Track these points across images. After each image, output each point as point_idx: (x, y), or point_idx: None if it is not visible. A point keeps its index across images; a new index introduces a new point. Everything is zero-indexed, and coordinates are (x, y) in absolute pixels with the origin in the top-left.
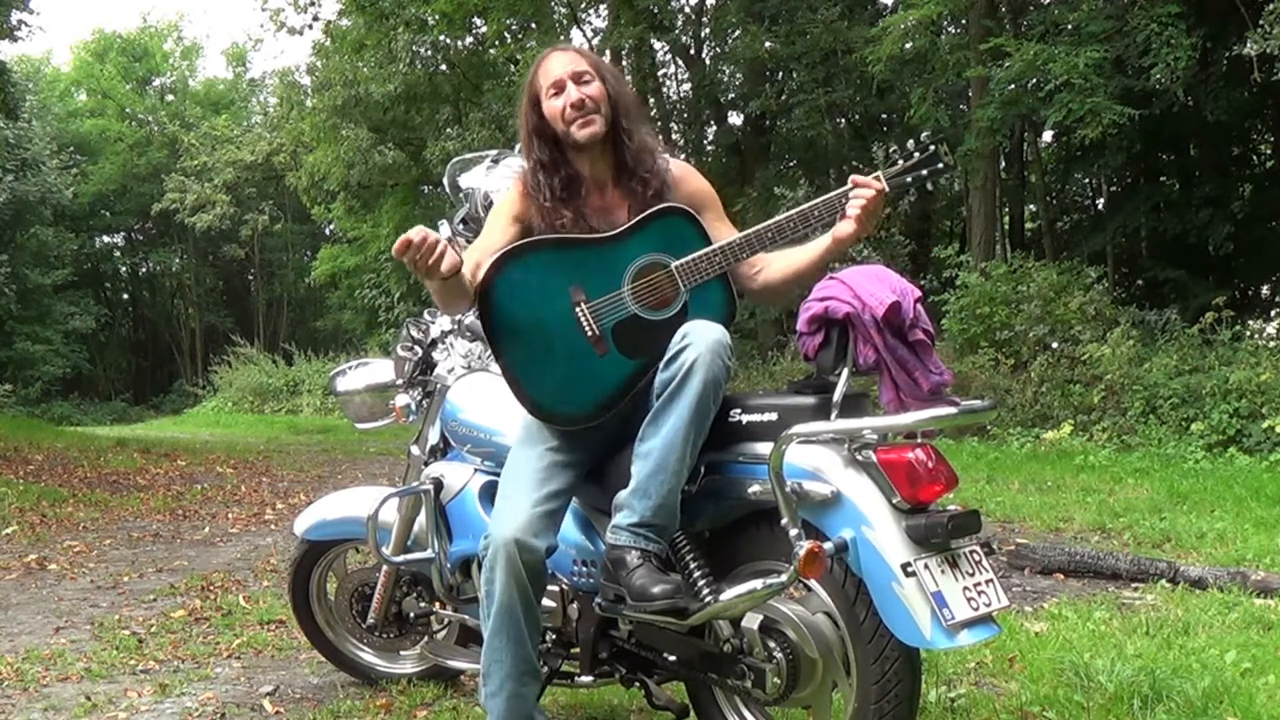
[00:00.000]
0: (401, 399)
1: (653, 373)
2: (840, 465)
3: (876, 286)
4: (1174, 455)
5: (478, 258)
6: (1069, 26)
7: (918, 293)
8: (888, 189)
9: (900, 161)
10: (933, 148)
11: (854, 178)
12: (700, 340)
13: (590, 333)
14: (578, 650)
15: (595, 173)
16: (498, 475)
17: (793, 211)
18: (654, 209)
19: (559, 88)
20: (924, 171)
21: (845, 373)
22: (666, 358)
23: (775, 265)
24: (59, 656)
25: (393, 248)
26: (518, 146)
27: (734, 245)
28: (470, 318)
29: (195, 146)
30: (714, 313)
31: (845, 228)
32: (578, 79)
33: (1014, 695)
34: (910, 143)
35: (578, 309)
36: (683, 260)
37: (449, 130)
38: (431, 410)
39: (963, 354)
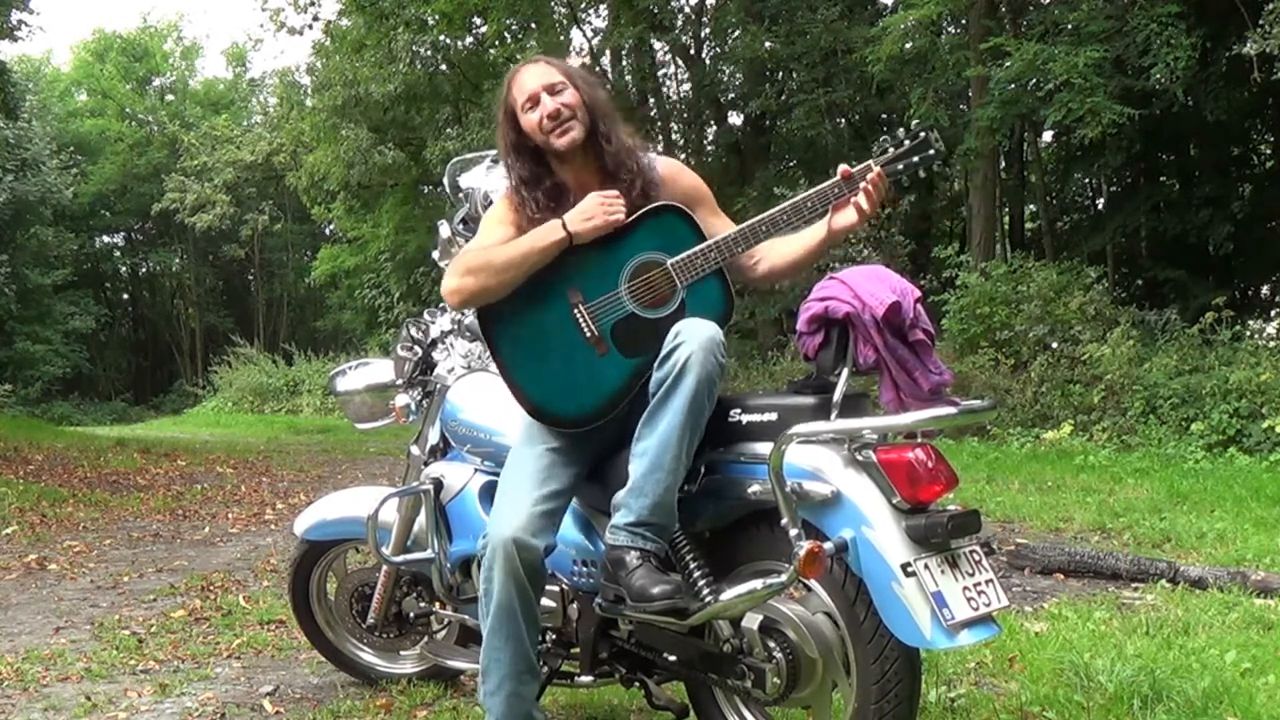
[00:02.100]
0: (401, 399)
1: (650, 372)
2: (840, 465)
3: (876, 286)
4: (1174, 455)
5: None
6: (1069, 26)
7: (918, 293)
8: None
9: (891, 149)
10: (923, 135)
11: (844, 168)
12: (693, 338)
13: (589, 334)
14: (578, 650)
15: (579, 179)
16: (498, 475)
17: (785, 204)
18: (647, 208)
19: (534, 101)
20: (915, 159)
21: (845, 373)
22: (660, 356)
23: (773, 255)
24: (59, 656)
25: (601, 196)
26: None
27: (729, 240)
28: (470, 318)
29: (195, 146)
30: (711, 309)
31: (846, 218)
32: (551, 89)
33: (1014, 695)
34: (900, 130)
35: (576, 310)
36: (678, 257)
37: (449, 130)
38: (431, 410)
39: (963, 354)
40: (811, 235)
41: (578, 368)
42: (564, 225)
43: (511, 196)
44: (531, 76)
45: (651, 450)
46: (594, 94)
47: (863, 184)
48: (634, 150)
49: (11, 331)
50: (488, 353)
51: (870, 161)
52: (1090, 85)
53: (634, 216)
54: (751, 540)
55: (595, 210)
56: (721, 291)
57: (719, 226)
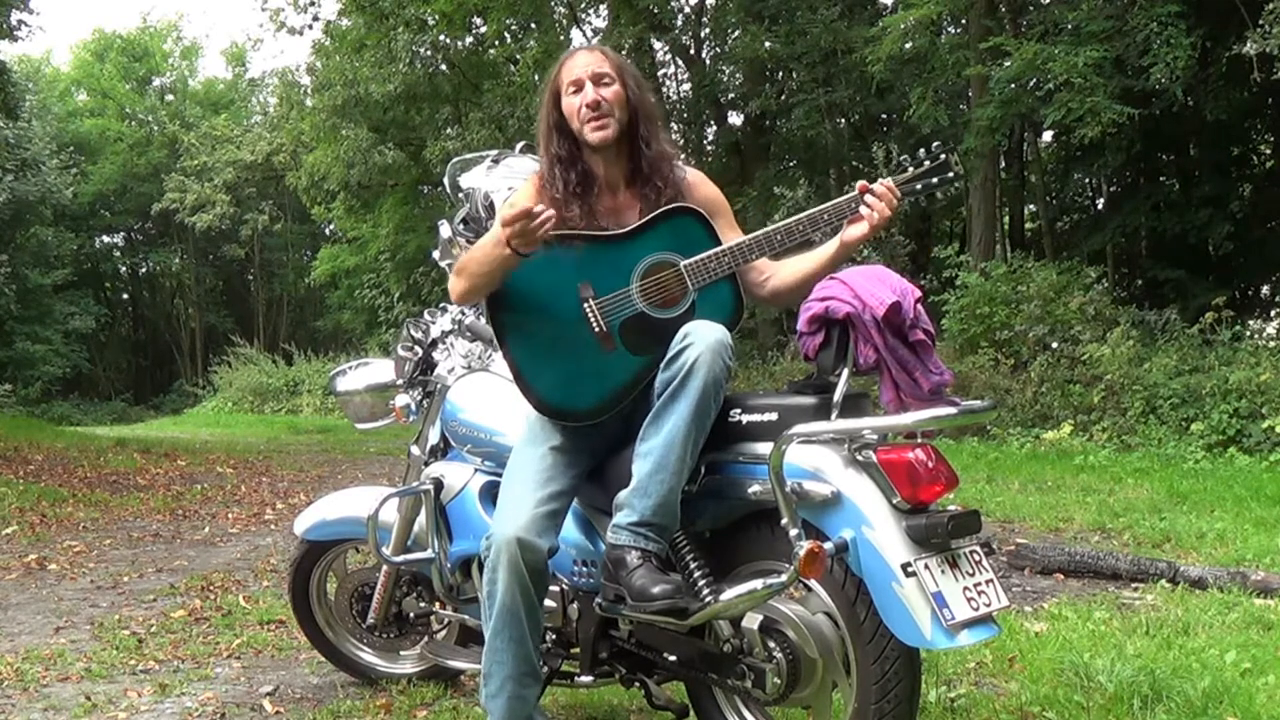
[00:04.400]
0: (402, 399)
1: (656, 371)
2: (840, 465)
3: (877, 286)
4: (1174, 455)
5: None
6: (1069, 26)
7: (918, 293)
8: (899, 195)
9: (910, 168)
10: (943, 156)
11: (862, 183)
12: (702, 340)
13: (598, 329)
14: (578, 650)
15: (609, 175)
16: (498, 475)
17: (801, 215)
18: (665, 209)
19: (578, 86)
20: (934, 180)
21: (845, 373)
22: (668, 357)
23: (784, 271)
24: (59, 656)
25: (512, 214)
26: (518, 146)
27: (743, 246)
28: (471, 317)
29: (195, 146)
30: (721, 313)
31: (856, 231)
32: (597, 80)
33: (1014, 695)
34: (920, 150)
35: (585, 305)
36: (691, 260)
37: (449, 130)
38: (432, 410)
39: (963, 354)
40: (824, 249)
41: (584, 363)
42: (507, 241)
43: (541, 178)
44: (582, 62)
45: (656, 450)
46: (640, 95)
47: (871, 195)
48: (670, 158)
49: (11, 331)
50: (490, 350)
51: (890, 179)
52: (1090, 85)
53: (650, 216)
54: (751, 540)
55: (518, 226)
56: (732, 296)
57: (734, 238)
